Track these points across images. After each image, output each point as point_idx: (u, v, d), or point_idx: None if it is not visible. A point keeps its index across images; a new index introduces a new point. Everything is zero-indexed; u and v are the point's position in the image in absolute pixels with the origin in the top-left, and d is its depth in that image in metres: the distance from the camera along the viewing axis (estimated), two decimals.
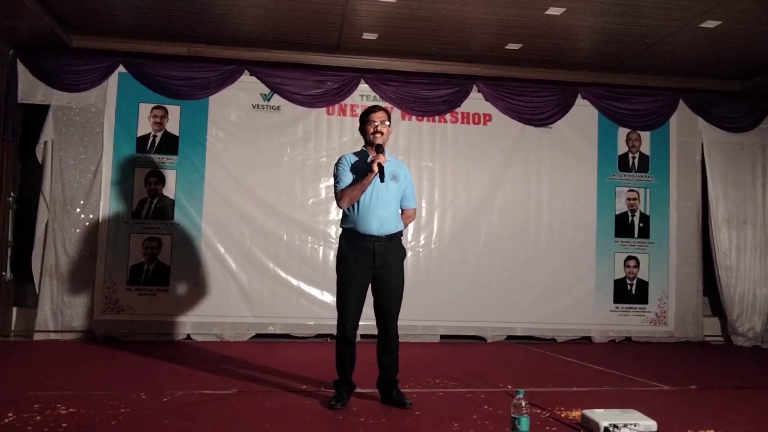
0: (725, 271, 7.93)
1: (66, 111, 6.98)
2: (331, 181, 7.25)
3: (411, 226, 7.32)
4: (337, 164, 4.27)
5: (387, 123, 4.24)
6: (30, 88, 6.93)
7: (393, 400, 4.12)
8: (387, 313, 4.17)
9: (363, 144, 4.33)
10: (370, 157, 4.15)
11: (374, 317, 4.23)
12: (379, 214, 4.13)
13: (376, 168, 4.03)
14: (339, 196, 4.16)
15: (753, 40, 6.91)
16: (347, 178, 4.17)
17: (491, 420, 3.81)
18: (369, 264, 4.11)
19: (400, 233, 4.26)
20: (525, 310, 7.59)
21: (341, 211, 4.28)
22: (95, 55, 7.08)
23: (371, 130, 4.20)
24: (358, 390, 4.26)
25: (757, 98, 8.11)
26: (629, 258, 7.86)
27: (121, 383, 4.61)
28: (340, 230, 4.29)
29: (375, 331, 4.27)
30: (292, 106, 7.34)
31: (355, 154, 4.31)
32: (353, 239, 4.15)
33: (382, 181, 4.08)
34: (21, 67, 6.90)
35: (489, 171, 7.67)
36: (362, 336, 5.63)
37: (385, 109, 4.30)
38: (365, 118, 4.25)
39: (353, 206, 4.14)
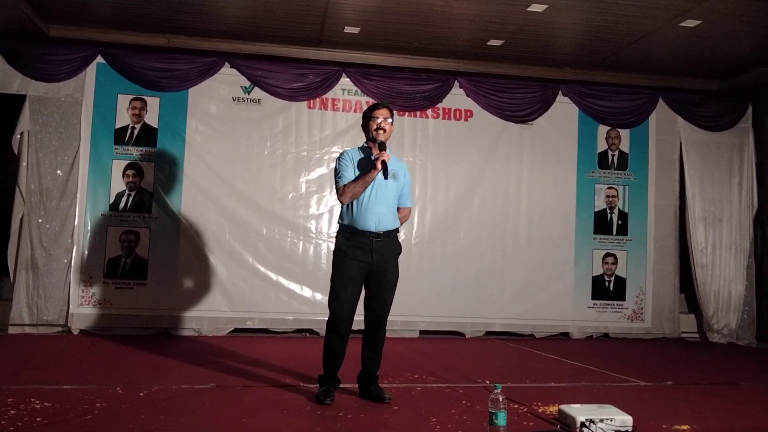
0: (701, 268, 8.02)
1: (43, 101, 6.88)
2: (312, 176, 7.34)
3: None
4: (338, 159, 4.26)
5: (390, 120, 4.24)
6: (6, 78, 6.82)
7: (372, 394, 4.12)
8: (380, 309, 4.18)
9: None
10: (374, 154, 4.14)
11: (363, 313, 4.22)
12: (378, 211, 4.13)
13: (380, 165, 4.02)
14: (341, 191, 4.14)
15: (732, 40, 6.99)
16: (349, 173, 4.17)
17: (469, 414, 3.82)
18: (366, 260, 4.11)
19: (397, 230, 4.28)
20: (504, 306, 7.62)
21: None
22: (73, 45, 6.98)
23: (374, 127, 4.20)
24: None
25: (735, 98, 8.20)
26: (607, 255, 7.92)
27: (97, 377, 4.56)
28: (338, 226, 4.28)
29: (359, 326, 4.26)
30: (273, 99, 7.30)
31: (359, 149, 4.32)
32: (351, 235, 4.14)
33: (386, 178, 4.09)
34: None
35: (469, 167, 7.68)
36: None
37: (388, 107, 4.30)
38: (369, 114, 4.25)
39: (352, 203, 4.14)
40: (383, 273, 4.17)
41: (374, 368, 4.20)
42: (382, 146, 4.15)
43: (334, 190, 4.32)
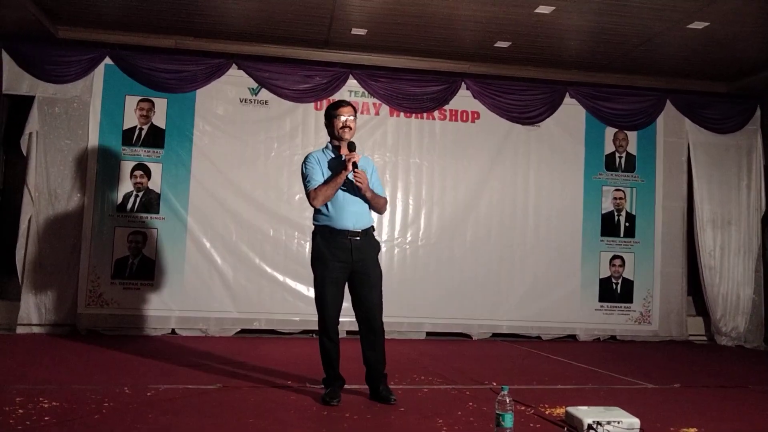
0: (709, 271, 7.99)
1: (51, 102, 6.91)
2: None
3: (398, 221, 7.43)
4: (305, 163, 4.23)
5: (354, 119, 4.22)
6: (15, 79, 6.85)
7: (380, 395, 4.12)
8: (370, 308, 4.15)
9: (328, 140, 4.30)
10: (344, 155, 4.12)
11: (354, 314, 4.22)
12: (354, 210, 4.13)
13: (350, 166, 4.01)
14: (313, 195, 4.11)
15: (740, 42, 6.96)
16: (318, 176, 4.14)
17: (476, 416, 3.81)
18: (347, 259, 4.10)
19: (373, 228, 4.27)
20: (511, 307, 7.61)
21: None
22: (82, 47, 7.01)
23: (340, 125, 4.17)
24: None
25: (743, 100, 8.16)
26: (615, 257, 7.90)
27: (104, 377, 4.58)
28: (313, 227, 4.26)
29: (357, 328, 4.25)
30: (280, 100, 7.32)
31: (322, 151, 4.29)
32: (329, 236, 4.13)
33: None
34: (6, 58, 6.82)
35: (476, 169, 7.68)
36: (347, 332, 5.66)
37: (352, 105, 4.28)
38: (333, 112, 4.21)
39: (326, 203, 4.13)
40: (366, 274, 4.15)
41: (380, 367, 4.18)
42: (352, 146, 4.13)
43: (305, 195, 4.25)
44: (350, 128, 4.18)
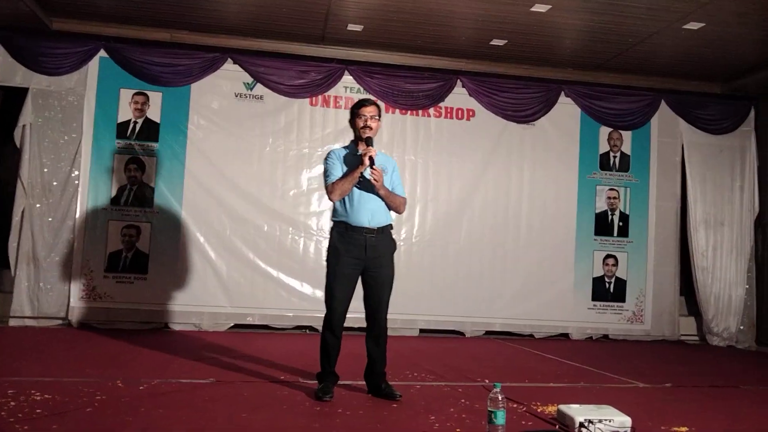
0: (702, 271, 8.01)
1: (45, 95, 6.88)
2: (313, 173, 7.32)
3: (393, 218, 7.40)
4: (326, 158, 4.27)
5: (376, 117, 4.23)
6: (8, 71, 6.82)
7: (383, 392, 4.13)
8: (378, 305, 4.17)
9: (352, 137, 4.32)
10: (360, 150, 4.14)
11: (362, 309, 4.22)
12: (370, 207, 4.13)
13: (367, 161, 4.02)
14: (330, 189, 4.14)
15: (735, 43, 6.98)
16: (337, 171, 4.17)
17: (468, 413, 3.82)
18: (361, 256, 4.11)
19: (391, 226, 4.27)
20: (504, 305, 7.62)
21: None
22: (76, 39, 6.98)
23: (361, 124, 4.18)
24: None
25: (738, 101, 8.20)
26: (608, 256, 7.92)
27: (97, 371, 4.56)
28: (331, 223, 4.28)
29: (356, 324, 4.26)
30: (275, 95, 7.31)
31: (345, 147, 4.32)
32: (345, 231, 4.14)
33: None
34: (0, 49, 6.78)
35: (471, 166, 7.68)
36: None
37: (376, 104, 4.28)
38: (356, 111, 4.23)
39: (344, 199, 4.14)
40: (378, 271, 4.16)
41: (381, 366, 4.19)
42: (369, 141, 4.13)
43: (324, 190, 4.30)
44: (371, 128, 4.17)
